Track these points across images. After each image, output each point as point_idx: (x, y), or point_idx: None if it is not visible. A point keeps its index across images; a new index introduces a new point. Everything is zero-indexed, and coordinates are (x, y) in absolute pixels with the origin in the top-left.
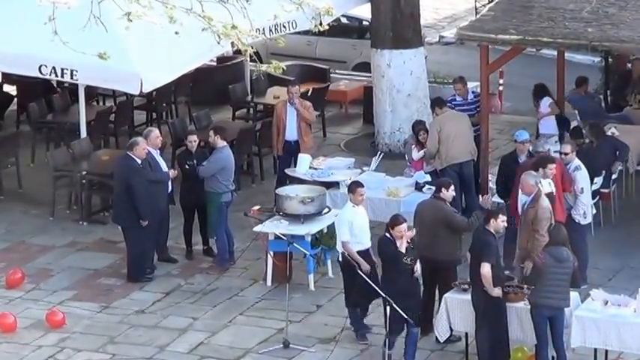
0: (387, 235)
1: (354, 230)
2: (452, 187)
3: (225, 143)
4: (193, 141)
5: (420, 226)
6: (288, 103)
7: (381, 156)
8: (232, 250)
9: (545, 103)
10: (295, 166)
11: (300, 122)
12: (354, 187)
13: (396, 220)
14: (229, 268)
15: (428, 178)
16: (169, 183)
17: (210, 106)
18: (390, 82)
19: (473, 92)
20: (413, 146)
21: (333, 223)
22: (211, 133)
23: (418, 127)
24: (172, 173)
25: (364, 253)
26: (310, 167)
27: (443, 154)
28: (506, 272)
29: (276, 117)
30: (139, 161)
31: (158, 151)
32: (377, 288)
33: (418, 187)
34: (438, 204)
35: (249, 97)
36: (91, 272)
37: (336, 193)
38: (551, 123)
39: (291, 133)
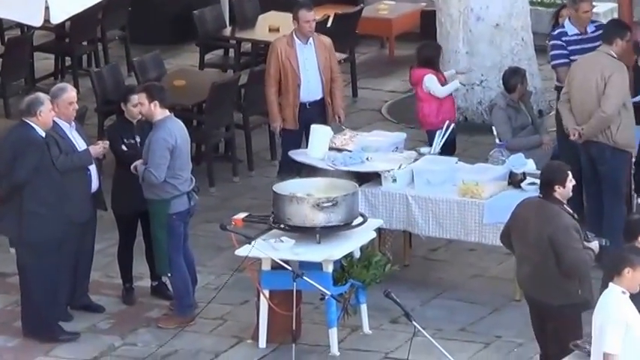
0: None
1: (635, 334)
2: (570, 176)
3: (167, 113)
4: (138, 104)
5: (520, 244)
6: (297, 40)
7: (451, 128)
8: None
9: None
10: (307, 147)
11: (324, 71)
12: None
13: None
14: (195, 318)
15: (531, 164)
16: (95, 172)
17: (161, 46)
18: (465, 3)
19: (593, 22)
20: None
21: (371, 241)
22: (143, 96)
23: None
24: (98, 149)
25: None
26: (331, 148)
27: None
28: None
29: (273, 63)
30: (44, 133)
31: (73, 125)
32: None
33: (514, 180)
34: (549, 209)
35: (228, 31)
36: None
37: (376, 192)
38: None
39: (308, 90)
